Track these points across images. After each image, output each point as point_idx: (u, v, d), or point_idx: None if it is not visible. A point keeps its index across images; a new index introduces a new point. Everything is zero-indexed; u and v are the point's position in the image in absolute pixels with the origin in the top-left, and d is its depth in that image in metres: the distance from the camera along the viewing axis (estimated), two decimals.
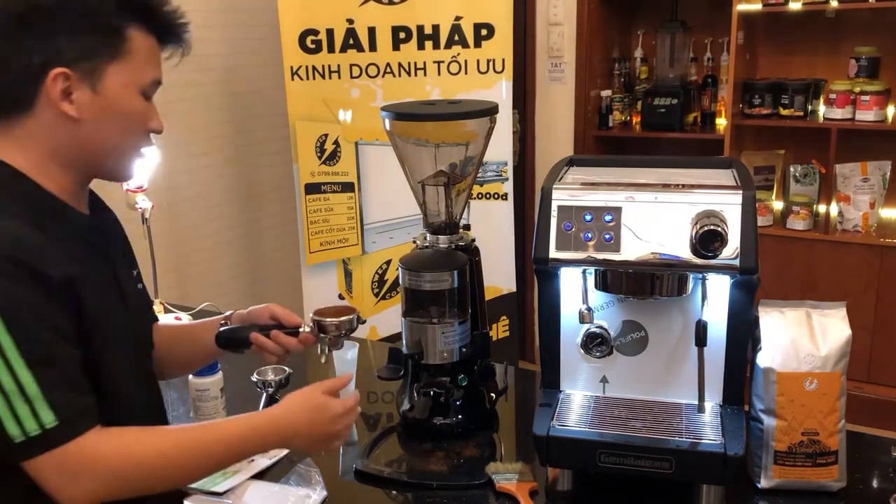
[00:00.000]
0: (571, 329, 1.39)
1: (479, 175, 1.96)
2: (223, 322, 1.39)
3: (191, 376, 1.62)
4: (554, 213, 1.32)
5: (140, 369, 1.22)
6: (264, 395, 1.64)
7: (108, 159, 1.14)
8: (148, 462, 1.05)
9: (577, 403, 1.41)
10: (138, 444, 1.05)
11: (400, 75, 3.00)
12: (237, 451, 1.12)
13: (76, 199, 1.14)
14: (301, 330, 1.36)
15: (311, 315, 1.39)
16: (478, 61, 2.97)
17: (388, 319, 3.17)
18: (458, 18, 2.94)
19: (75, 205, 1.13)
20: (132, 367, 1.17)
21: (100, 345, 1.08)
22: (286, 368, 1.66)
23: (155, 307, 2.14)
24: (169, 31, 1.15)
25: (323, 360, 1.46)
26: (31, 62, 1.04)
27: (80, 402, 1.01)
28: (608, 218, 1.29)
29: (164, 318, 2.13)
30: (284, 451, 1.50)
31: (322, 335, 1.38)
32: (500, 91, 2.97)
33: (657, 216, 1.28)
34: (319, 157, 3.09)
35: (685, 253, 1.26)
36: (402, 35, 2.97)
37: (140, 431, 1.08)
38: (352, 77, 3.01)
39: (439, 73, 2.98)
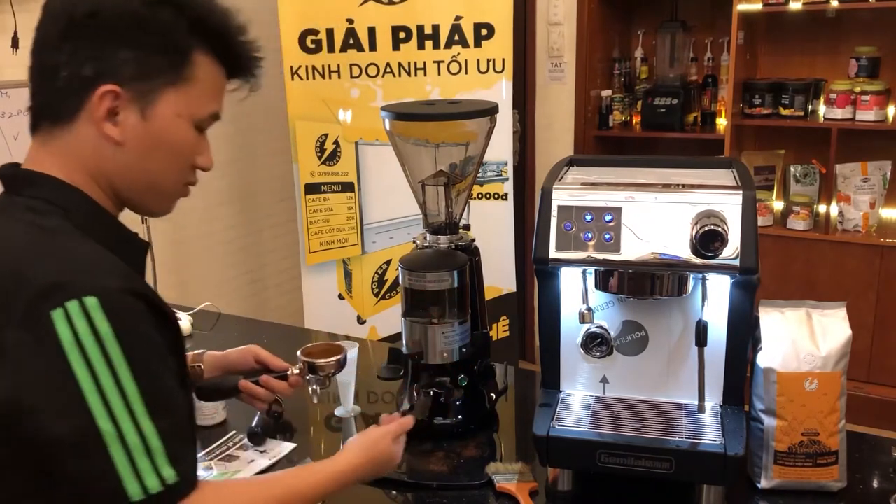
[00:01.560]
0: (571, 329, 1.39)
1: (479, 175, 1.96)
2: (195, 363, 1.33)
3: None
4: (554, 213, 1.32)
5: None
6: None
7: (146, 192, 1.02)
8: None
9: (577, 403, 1.41)
10: (240, 499, 0.99)
11: (400, 75, 3.00)
12: (322, 494, 1.10)
13: None
14: (289, 373, 1.36)
15: (299, 355, 1.39)
16: (478, 61, 2.97)
17: (388, 319, 3.17)
18: (458, 18, 2.94)
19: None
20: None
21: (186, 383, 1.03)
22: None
23: None
24: (240, 64, 1.04)
25: (315, 401, 1.48)
26: (81, 72, 0.93)
27: (192, 455, 0.94)
28: (608, 218, 1.29)
29: None
30: (285, 451, 1.51)
31: (311, 376, 1.39)
32: (500, 91, 2.97)
33: (657, 216, 1.28)
34: (319, 157, 3.09)
35: (685, 253, 1.26)
36: (402, 35, 2.97)
37: (234, 486, 1.04)
38: (352, 77, 3.00)
39: (439, 73, 2.98)
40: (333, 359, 1.39)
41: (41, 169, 0.97)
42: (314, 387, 1.41)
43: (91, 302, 0.84)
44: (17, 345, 0.84)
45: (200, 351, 1.38)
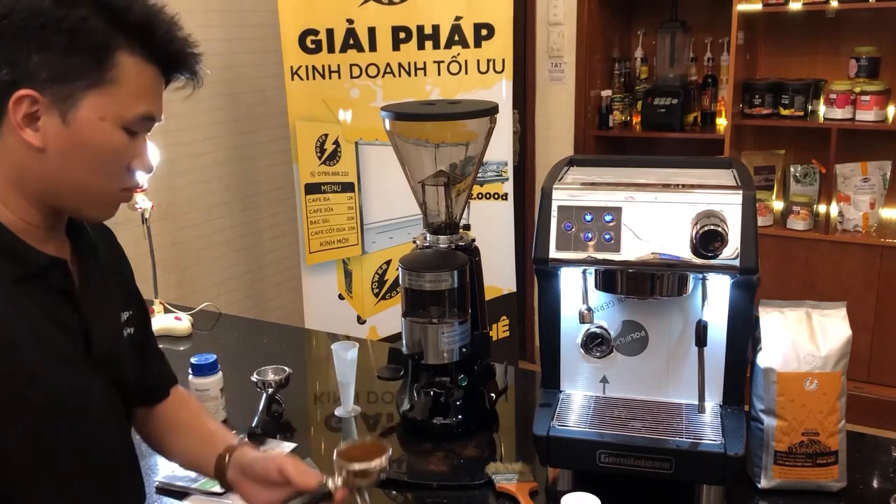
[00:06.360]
0: (571, 329, 1.39)
1: (479, 175, 1.96)
2: (225, 452, 1.18)
3: (191, 376, 1.62)
4: (554, 213, 1.32)
5: (93, 436, 1.04)
6: (264, 395, 1.64)
7: (76, 197, 1.00)
8: None
9: (577, 403, 1.41)
10: None
11: (400, 75, 3.00)
12: None
13: (40, 237, 1.00)
14: (328, 486, 1.12)
15: (336, 459, 1.15)
16: (478, 61, 2.97)
17: (388, 319, 3.17)
18: (458, 18, 2.94)
19: (34, 241, 0.99)
20: (71, 435, 1.00)
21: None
22: (286, 369, 1.66)
23: (155, 307, 2.16)
24: (175, 62, 1.00)
25: None
26: (0, 77, 0.91)
27: None
28: (608, 218, 1.29)
29: (164, 319, 2.13)
30: (285, 451, 1.50)
31: (358, 481, 1.15)
32: (500, 91, 2.97)
33: (657, 216, 1.28)
34: (319, 157, 3.09)
35: (685, 253, 1.26)
36: (402, 35, 2.97)
37: None
38: (352, 77, 3.01)
39: (439, 73, 2.98)
40: (382, 458, 1.15)
41: None
42: (365, 495, 1.18)
43: None
44: None
45: (242, 436, 1.29)
